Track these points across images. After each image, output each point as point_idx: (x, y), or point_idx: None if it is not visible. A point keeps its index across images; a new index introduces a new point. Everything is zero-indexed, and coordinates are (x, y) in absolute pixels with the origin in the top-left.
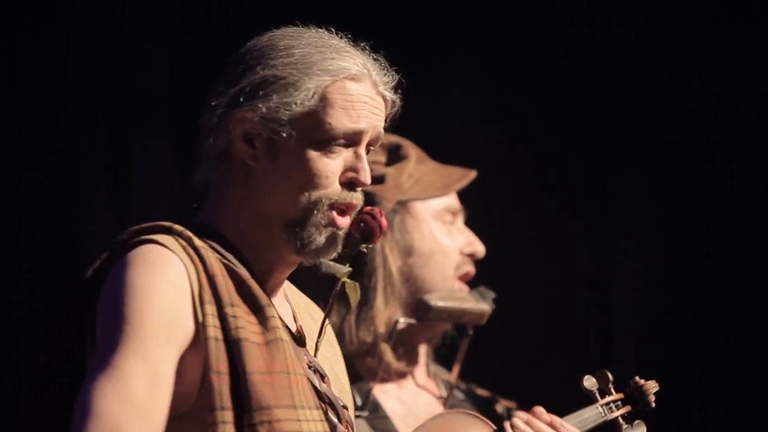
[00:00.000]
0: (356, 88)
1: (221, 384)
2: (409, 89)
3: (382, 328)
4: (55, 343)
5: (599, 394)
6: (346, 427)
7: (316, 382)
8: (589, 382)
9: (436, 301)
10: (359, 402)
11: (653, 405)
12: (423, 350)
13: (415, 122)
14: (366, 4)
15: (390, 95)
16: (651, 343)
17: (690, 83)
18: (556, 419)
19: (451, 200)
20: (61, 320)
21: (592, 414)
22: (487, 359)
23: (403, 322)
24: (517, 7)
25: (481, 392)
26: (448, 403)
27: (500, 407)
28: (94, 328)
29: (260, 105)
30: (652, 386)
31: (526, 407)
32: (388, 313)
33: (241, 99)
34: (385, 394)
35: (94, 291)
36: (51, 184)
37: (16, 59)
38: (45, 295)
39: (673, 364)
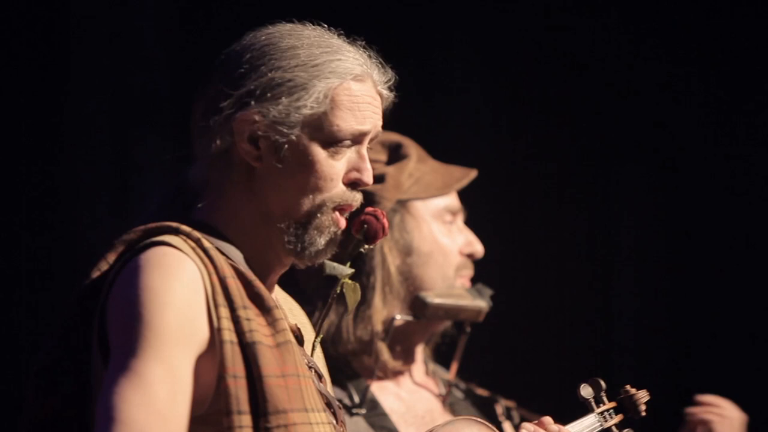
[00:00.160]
0: (361, 88)
1: (238, 388)
2: (410, 88)
3: (379, 327)
4: (61, 343)
5: (594, 402)
6: (342, 427)
7: (316, 382)
8: (586, 390)
9: (433, 298)
10: (357, 400)
11: (643, 414)
12: (421, 348)
13: (416, 121)
14: (366, 3)
15: (386, 93)
16: (650, 341)
17: (691, 82)
18: (564, 429)
19: (451, 200)
20: (67, 320)
21: (592, 423)
22: (487, 358)
23: (399, 318)
24: (518, 6)
25: (481, 392)
26: (446, 401)
27: (500, 407)
28: (103, 330)
29: (269, 108)
30: (642, 396)
31: (526, 406)
32: (386, 312)
33: (249, 101)
34: (384, 391)
35: (102, 292)
36: (51, 185)
37: (16, 59)
38: (45, 296)
39: (672, 363)
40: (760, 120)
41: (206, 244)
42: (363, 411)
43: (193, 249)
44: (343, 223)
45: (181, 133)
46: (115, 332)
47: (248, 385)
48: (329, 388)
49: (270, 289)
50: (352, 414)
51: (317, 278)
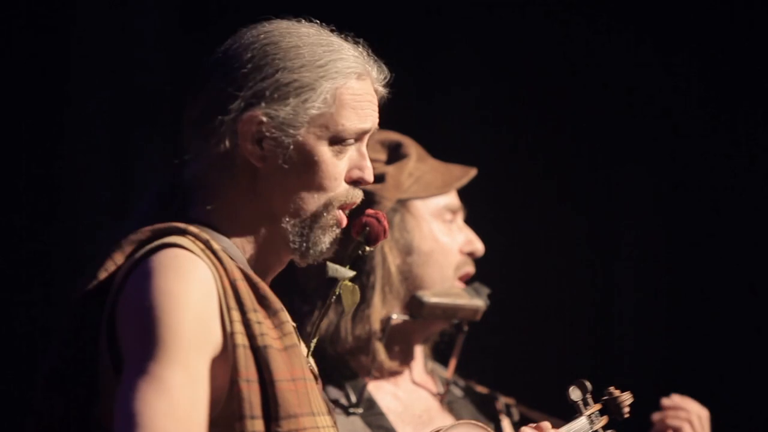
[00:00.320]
0: (362, 86)
1: (251, 392)
2: (410, 87)
3: (377, 326)
4: (68, 344)
5: (583, 404)
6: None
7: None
8: (576, 393)
9: (430, 297)
10: (353, 399)
11: (627, 416)
12: (420, 348)
13: (416, 121)
14: (366, 2)
15: (382, 90)
16: (650, 338)
17: (691, 81)
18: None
19: (451, 198)
20: (73, 321)
21: (582, 425)
22: (487, 356)
23: (396, 317)
24: (518, 5)
25: (480, 389)
26: (444, 399)
27: (499, 404)
28: (112, 331)
29: (277, 108)
30: (626, 398)
31: (525, 403)
32: (385, 311)
33: (255, 102)
34: (381, 390)
35: (110, 293)
36: (51, 185)
37: (16, 59)
38: (45, 296)
39: (672, 362)
40: (761, 120)
41: (215, 246)
42: (360, 410)
43: (202, 251)
44: (345, 221)
45: (181, 133)
46: (130, 335)
47: (260, 389)
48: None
49: None
50: (349, 413)
51: (317, 278)
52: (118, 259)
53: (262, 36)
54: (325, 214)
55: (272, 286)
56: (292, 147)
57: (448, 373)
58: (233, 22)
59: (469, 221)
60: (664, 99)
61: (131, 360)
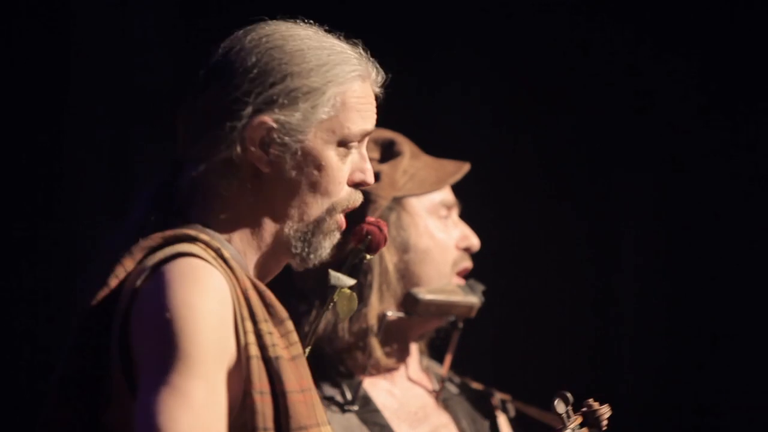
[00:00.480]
0: (363, 88)
1: (264, 404)
2: (410, 86)
3: (373, 323)
4: (79, 352)
5: (566, 417)
6: None
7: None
8: (561, 406)
9: (424, 294)
10: (349, 397)
11: (605, 429)
12: (416, 345)
13: (416, 120)
14: (367, 2)
15: (377, 90)
16: (649, 336)
17: (691, 81)
18: None
19: (446, 194)
20: (85, 329)
21: None
22: (483, 352)
23: (391, 314)
24: (518, 3)
25: (476, 385)
26: (440, 396)
27: (495, 400)
28: (125, 339)
29: (287, 113)
30: (605, 411)
31: (521, 400)
32: (381, 309)
33: (264, 107)
34: (376, 388)
35: (121, 300)
36: (51, 185)
37: (16, 60)
38: (44, 296)
39: (671, 361)
40: (762, 121)
41: (226, 254)
42: (355, 408)
43: (214, 259)
44: (344, 224)
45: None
46: (149, 347)
47: (273, 401)
48: None
49: None
50: (344, 411)
51: (314, 277)
52: (129, 265)
53: (264, 39)
54: (328, 219)
55: (269, 285)
56: (299, 152)
57: (444, 370)
58: (233, 22)
59: (469, 221)
60: (664, 99)
61: (151, 372)
